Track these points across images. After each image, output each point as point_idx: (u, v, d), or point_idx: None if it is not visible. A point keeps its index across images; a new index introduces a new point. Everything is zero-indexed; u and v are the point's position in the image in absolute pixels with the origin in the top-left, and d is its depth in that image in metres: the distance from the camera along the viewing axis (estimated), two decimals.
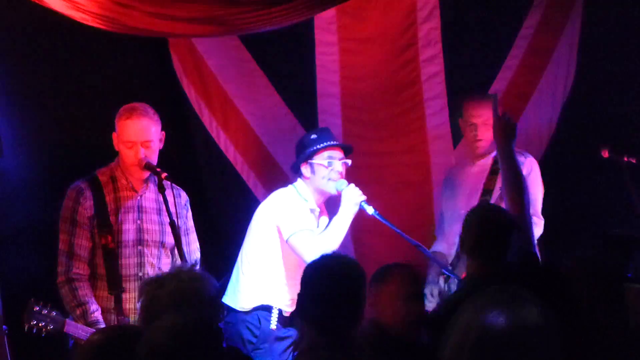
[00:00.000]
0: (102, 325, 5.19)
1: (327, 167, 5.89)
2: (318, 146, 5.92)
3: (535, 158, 7.08)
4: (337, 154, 5.96)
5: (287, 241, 5.77)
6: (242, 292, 5.95)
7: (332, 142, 5.96)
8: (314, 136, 6.01)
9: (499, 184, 6.19)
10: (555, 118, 7.15)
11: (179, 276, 3.82)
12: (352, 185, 5.82)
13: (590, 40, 7.05)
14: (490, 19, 7.12)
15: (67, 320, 5.12)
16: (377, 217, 5.72)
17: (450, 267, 5.97)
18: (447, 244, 6.32)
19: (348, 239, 6.83)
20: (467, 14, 7.14)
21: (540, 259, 5.25)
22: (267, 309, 5.86)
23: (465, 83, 7.13)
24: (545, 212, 6.41)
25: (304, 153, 5.96)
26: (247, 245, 6.00)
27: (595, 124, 6.93)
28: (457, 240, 6.01)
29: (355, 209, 5.78)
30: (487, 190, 6.24)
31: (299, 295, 4.01)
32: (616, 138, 6.71)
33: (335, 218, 5.82)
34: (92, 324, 5.17)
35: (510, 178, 5.31)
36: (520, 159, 6.24)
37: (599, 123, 6.93)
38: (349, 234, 6.60)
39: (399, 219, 6.10)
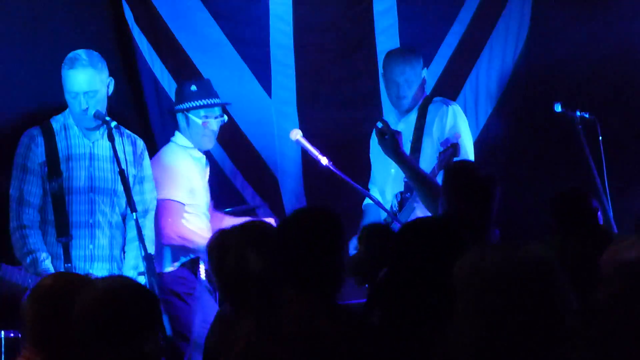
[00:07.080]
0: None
1: (202, 125, 5.90)
2: (195, 103, 5.92)
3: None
4: (214, 111, 5.99)
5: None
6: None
7: (209, 101, 5.95)
8: (193, 87, 5.97)
9: (425, 142, 6.18)
10: (507, 73, 7.16)
11: None
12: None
13: None
14: None
15: (2, 265, 5.07)
16: (331, 167, 5.73)
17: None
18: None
19: (301, 191, 6.86)
20: None
21: None
22: (196, 261, 5.89)
23: (418, 36, 7.10)
24: (499, 167, 6.46)
25: (181, 104, 5.94)
26: None
27: (548, 77, 6.96)
28: (391, 199, 6.03)
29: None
30: (415, 148, 6.17)
31: (275, 254, 3.74)
32: (569, 92, 6.76)
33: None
34: (42, 272, 5.11)
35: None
36: (442, 108, 6.19)
37: (552, 77, 6.95)
38: (302, 185, 6.64)
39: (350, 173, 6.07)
